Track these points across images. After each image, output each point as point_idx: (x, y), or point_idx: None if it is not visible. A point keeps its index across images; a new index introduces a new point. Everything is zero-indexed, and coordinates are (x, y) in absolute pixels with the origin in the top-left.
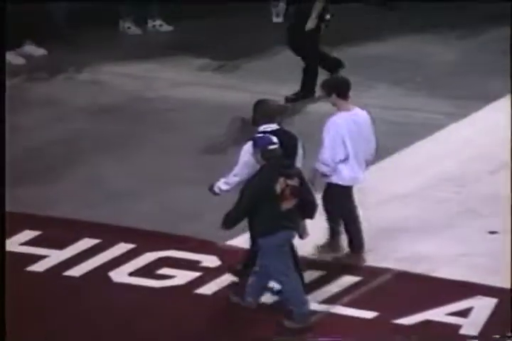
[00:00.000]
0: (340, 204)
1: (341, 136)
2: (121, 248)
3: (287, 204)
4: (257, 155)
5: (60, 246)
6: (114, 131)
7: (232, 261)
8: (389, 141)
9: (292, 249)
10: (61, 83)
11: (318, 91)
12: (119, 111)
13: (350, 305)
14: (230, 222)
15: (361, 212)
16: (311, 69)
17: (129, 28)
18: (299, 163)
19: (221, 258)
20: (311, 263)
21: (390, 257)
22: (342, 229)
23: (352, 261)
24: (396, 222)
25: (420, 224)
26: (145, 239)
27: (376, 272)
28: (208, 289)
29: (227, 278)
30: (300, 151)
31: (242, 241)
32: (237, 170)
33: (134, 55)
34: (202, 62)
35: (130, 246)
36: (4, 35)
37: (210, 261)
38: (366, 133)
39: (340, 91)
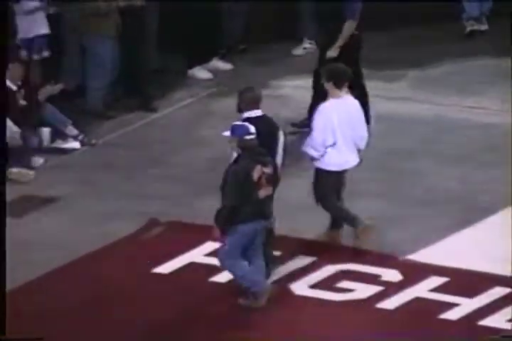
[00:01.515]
0: (331, 188)
1: (331, 121)
2: (302, 260)
3: (264, 192)
4: (232, 143)
5: None
6: (293, 144)
7: (414, 276)
8: None
9: (270, 232)
10: None
11: None
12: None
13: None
14: (222, 217)
15: None
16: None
17: (310, 43)
18: (280, 149)
19: (402, 273)
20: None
21: None
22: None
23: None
24: None
25: None
26: (325, 252)
27: None
28: (390, 304)
29: (409, 293)
30: (281, 139)
31: (423, 255)
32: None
33: (314, 68)
34: (384, 74)
35: (310, 258)
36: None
37: (391, 275)
38: (355, 120)
39: (337, 80)
